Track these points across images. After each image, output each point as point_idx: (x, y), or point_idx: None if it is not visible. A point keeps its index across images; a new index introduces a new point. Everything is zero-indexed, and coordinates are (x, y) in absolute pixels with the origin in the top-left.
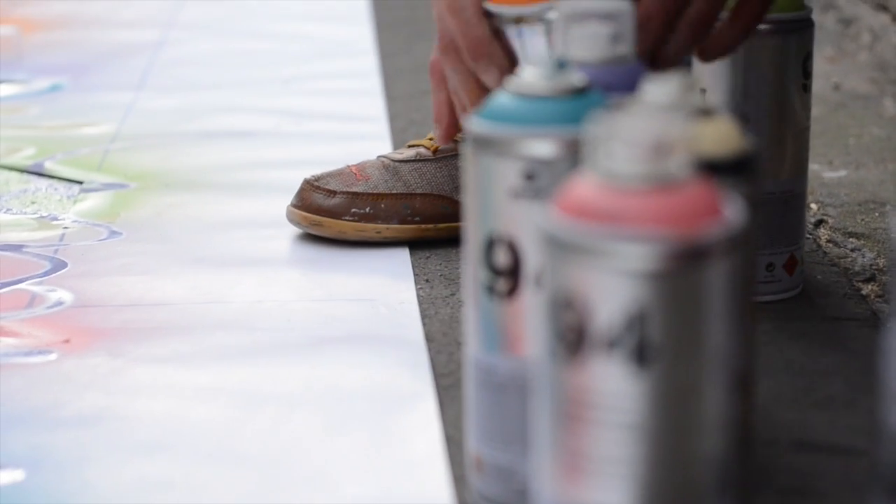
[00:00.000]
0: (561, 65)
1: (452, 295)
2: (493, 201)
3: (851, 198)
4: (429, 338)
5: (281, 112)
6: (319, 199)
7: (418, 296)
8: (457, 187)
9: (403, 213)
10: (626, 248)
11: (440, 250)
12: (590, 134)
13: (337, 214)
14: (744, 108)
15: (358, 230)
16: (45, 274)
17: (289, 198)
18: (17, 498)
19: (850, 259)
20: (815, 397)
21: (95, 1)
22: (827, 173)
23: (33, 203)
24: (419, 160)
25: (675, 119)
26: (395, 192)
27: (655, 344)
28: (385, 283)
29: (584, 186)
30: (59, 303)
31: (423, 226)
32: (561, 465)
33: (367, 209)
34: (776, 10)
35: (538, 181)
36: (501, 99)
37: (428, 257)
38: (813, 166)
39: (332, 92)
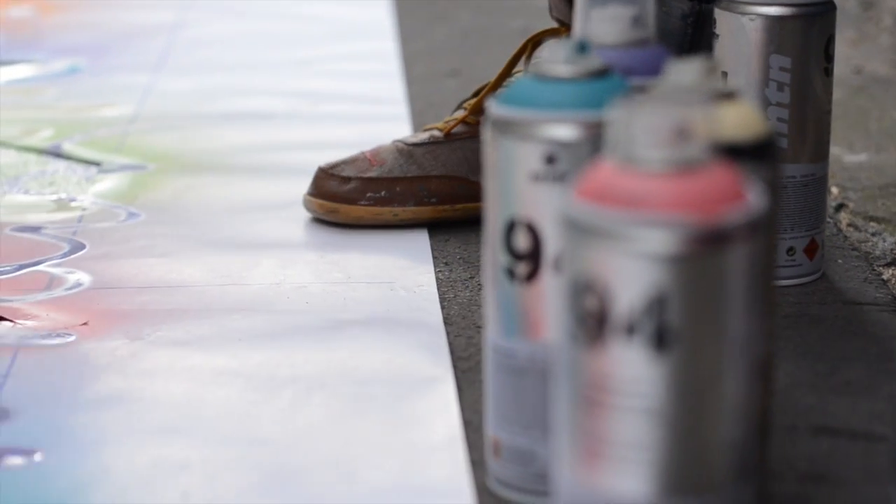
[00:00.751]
0: (582, 47)
1: (471, 278)
2: (514, 185)
3: (872, 182)
4: (447, 321)
5: (299, 94)
6: (334, 186)
7: (437, 279)
8: (472, 168)
9: (419, 194)
10: (647, 231)
11: (459, 233)
12: (612, 118)
13: (352, 200)
14: (765, 91)
15: (375, 214)
16: (64, 256)
17: (307, 180)
18: (36, 479)
19: (870, 243)
20: (834, 382)
21: None
22: (848, 157)
23: (51, 184)
24: (433, 143)
25: (696, 103)
26: (410, 175)
27: (675, 328)
28: (404, 266)
29: (606, 170)
30: (78, 284)
31: (439, 207)
32: (580, 449)
33: (383, 193)
34: None
35: (559, 164)
36: (522, 82)
37: (447, 240)
38: (834, 150)
39: (350, 74)
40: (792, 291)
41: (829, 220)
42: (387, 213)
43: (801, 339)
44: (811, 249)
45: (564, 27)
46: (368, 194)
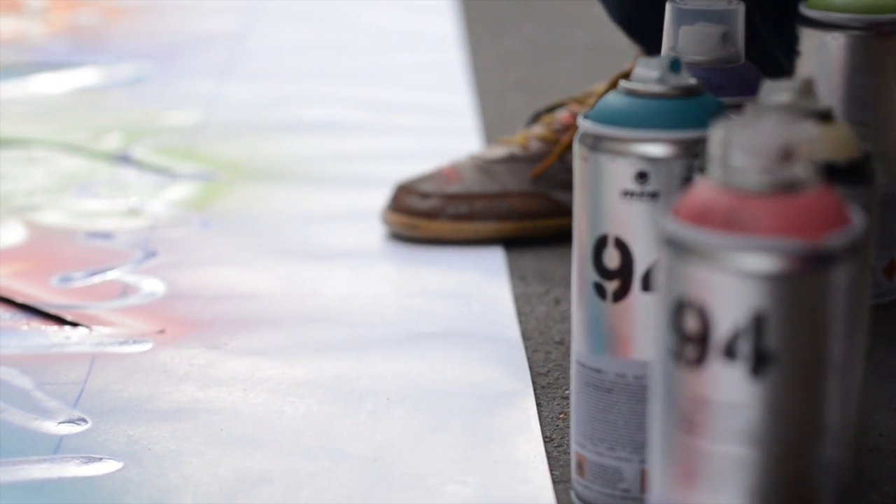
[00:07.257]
0: (675, 64)
1: (547, 293)
2: (605, 202)
3: None
4: (525, 336)
5: (367, 103)
6: (414, 202)
7: (513, 293)
8: (552, 185)
9: (500, 211)
10: (749, 252)
11: (534, 247)
12: (713, 138)
13: (433, 216)
14: (847, 110)
15: (455, 231)
16: (137, 263)
17: (379, 191)
18: (116, 489)
19: None
20: None
21: None
22: None
23: (122, 191)
24: (513, 160)
25: (799, 122)
26: (490, 192)
27: (776, 350)
28: (479, 280)
29: (706, 190)
30: (152, 293)
31: (519, 223)
32: (676, 469)
33: (464, 209)
34: (883, 10)
35: (650, 182)
36: (614, 99)
37: (522, 254)
38: None
39: (418, 84)
40: (871, 312)
41: None
42: (467, 229)
43: (881, 360)
44: (890, 269)
45: None
46: (449, 210)
